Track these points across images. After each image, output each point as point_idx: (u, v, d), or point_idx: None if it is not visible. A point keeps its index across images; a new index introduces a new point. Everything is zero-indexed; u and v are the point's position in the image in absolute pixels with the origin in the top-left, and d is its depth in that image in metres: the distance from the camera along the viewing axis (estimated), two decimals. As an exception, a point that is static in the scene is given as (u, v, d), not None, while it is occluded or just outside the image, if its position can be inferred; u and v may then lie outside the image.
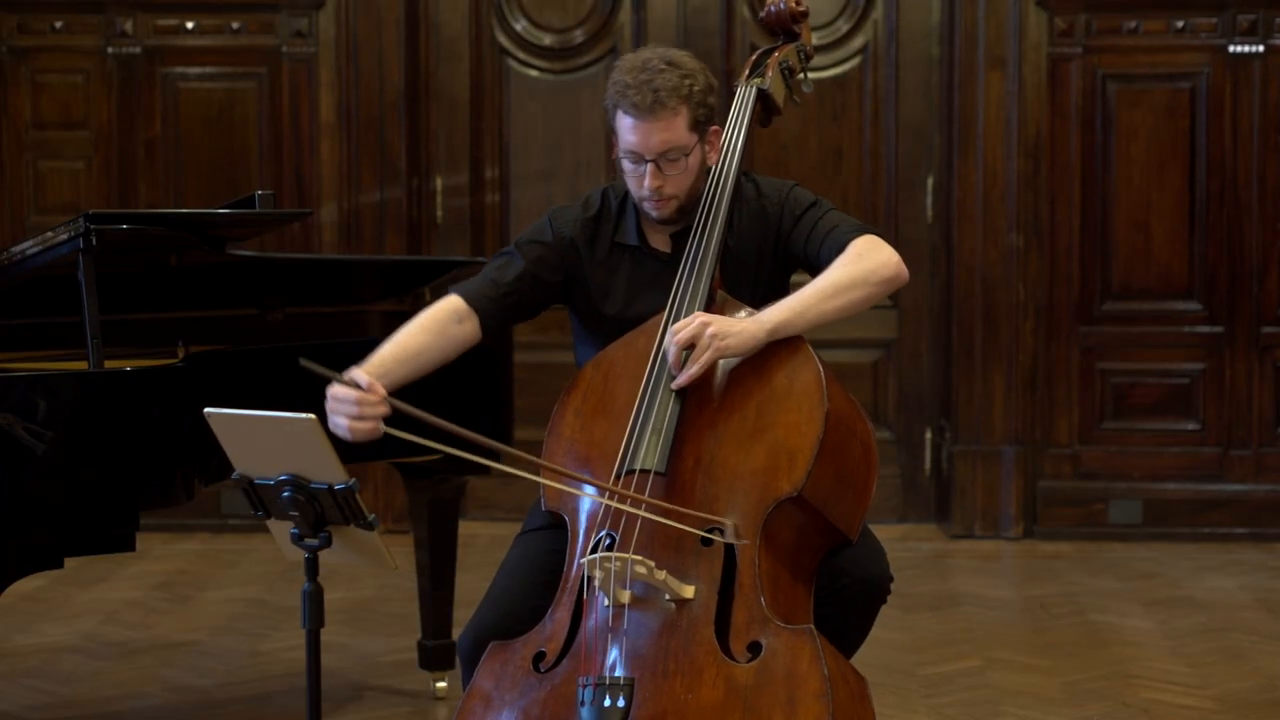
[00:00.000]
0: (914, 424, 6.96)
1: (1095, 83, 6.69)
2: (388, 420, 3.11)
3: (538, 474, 3.21)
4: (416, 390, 4.33)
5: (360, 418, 3.09)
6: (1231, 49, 6.64)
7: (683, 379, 3.15)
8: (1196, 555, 6.48)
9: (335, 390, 3.11)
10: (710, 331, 3.14)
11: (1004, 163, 6.67)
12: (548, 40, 6.97)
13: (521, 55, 6.98)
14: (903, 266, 3.29)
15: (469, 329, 3.36)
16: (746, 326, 3.17)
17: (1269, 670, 5.03)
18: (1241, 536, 6.68)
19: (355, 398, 3.09)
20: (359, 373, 3.14)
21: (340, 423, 3.11)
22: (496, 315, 3.38)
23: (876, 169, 6.90)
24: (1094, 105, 6.69)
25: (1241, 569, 6.28)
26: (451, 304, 3.36)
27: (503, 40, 6.98)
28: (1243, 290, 6.69)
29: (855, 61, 6.85)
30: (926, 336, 6.92)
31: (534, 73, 6.99)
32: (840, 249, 3.29)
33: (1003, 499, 6.73)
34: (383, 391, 3.11)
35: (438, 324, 3.33)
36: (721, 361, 3.19)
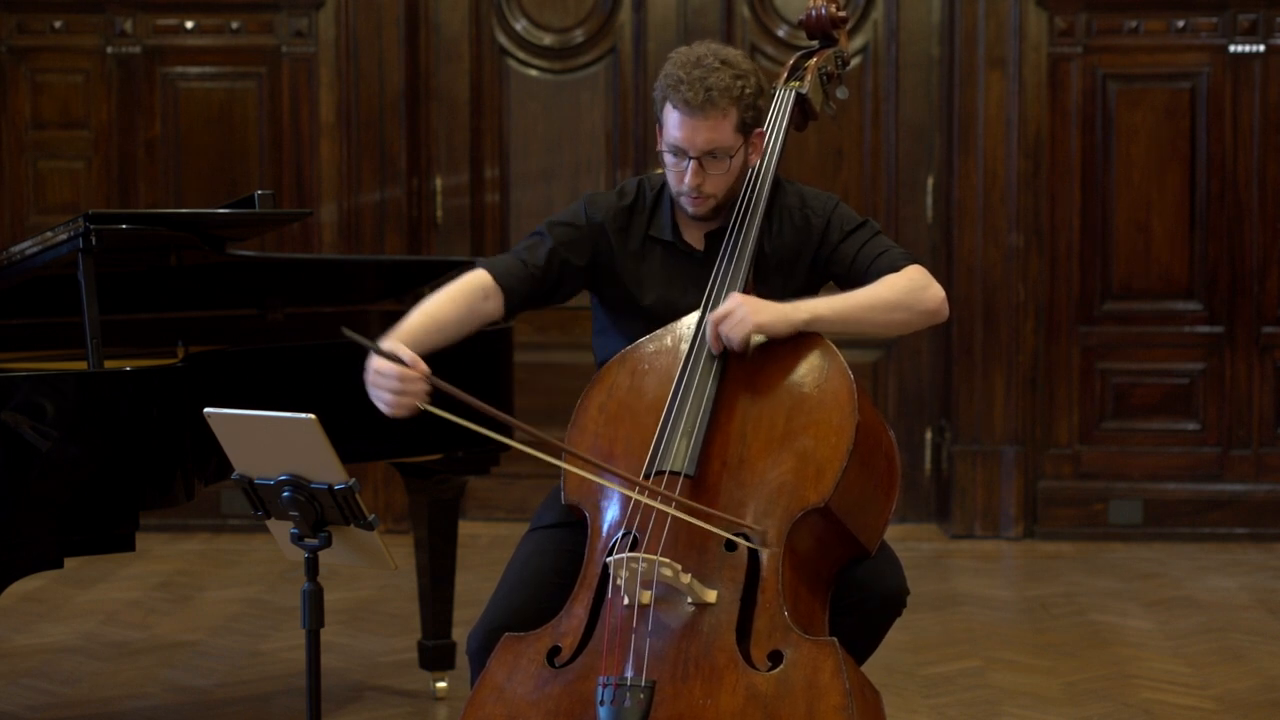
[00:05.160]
0: (914, 424, 6.96)
1: (1095, 83, 6.69)
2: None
3: (561, 459, 3.18)
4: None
5: (402, 393, 3.08)
6: (1232, 49, 6.64)
7: (716, 347, 3.17)
8: (1197, 555, 6.49)
9: (379, 364, 3.09)
10: (746, 310, 3.16)
11: (1004, 163, 6.68)
12: (548, 40, 6.97)
13: (521, 55, 6.98)
14: (946, 305, 3.33)
15: (493, 306, 3.34)
16: (782, 309, 3.19)
17: (1269, 670, 5.03)
18: (1241, 536, 6.68)
19: (398, 373, 3.07)
20: (401, 347, 3.11)
21: (382, 397, 3.10)
22: (522, 296, 3.37)
23: (876, 169, 6.90)
24: (1094, 105, 6.69)
25: (1242, 569, 6.28)
26: (479, 279, 3.33)
27: (503, 40, 6.98)
28: (1243, 290, 6.69)
29: (855, 61, 6.84)
30: (926, 336, 6.91)
31: (534, 73, 6.99)
32: (893, 270, 3.31)
33: (1003, 499, 6.73)
34: (426, 369, 3.09)
35: (465, 298, 3.31)
36: (754, 363, 3.19)
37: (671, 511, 3.05)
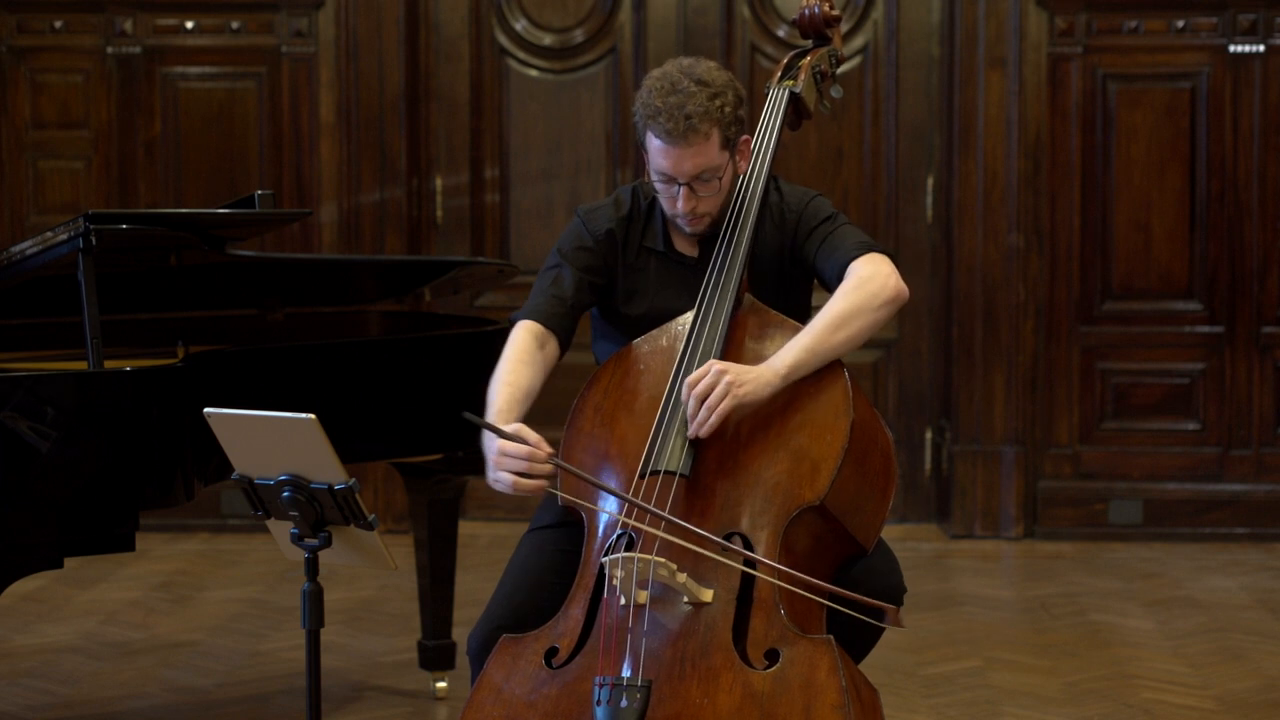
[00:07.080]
0: (914, 424, 6.96)
1: (1095, 83, 6.69)
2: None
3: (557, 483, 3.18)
4: (414, 393, 4.34)
5: (528, 475, 3.07)
6: (1232, 49, 6.64)
7: (701, 430, 3.10)
8: (1197, 555, 6.48)
9: (504, 445, 3.07)
10: (727, 380, 3.11)
11: (1004, 163, 6.67)
12: (548, 40, 6.97)
13: (521, 55, 6.98)
14: (902, 286, 3.26)
15: (551, 349, 3.37)
16: (762, 373, 3.14)
17: (1269, 670, 5.03)
18: (1241, 536, 6.68)
19: (526, 454, 3.06)
20: (524, 428, 3.10)
21: (505, 478, 3.09)
22: (569, 330, 3.40)
23: (876, 169, 6.90)
24: (1094, 105, 6.69)
25: (1242, 569, 6.28)
26: (532, 332, 3.34)
27: (503, 40, 6.98)
28: (1243, 290, 6.69)
29: (855, 61, 6.84)
30: (927, 336, 6.92)
31: (534, 73, 6.99)
32: (841, 270, 3.27)
33: (1003, 499, 6.73)
34: (549, 449, 3.09)
35: (531, 355, 3.32)
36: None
37: (659, 534, 3.06)
